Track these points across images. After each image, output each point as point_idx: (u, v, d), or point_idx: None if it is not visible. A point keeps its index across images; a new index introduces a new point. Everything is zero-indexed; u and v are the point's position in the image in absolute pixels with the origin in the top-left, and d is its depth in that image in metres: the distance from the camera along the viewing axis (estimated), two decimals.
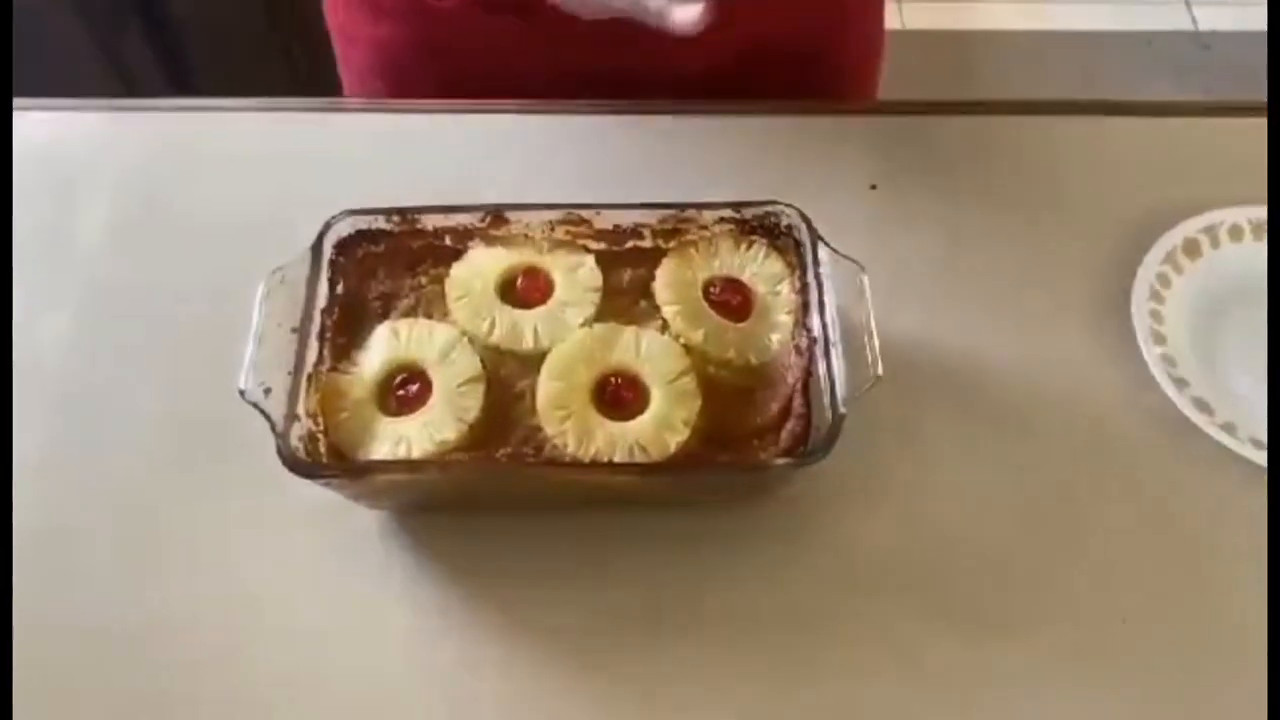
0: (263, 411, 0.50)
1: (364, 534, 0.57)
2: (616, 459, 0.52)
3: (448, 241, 0.59)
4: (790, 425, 0.54)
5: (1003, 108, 0.74)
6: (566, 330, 0.56)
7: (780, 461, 0.53)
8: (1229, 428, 0.58)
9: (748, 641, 0.54)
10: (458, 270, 0.58)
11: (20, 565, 0.55)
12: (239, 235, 0.66)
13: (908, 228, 0.67)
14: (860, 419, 0.51)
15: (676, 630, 0.54)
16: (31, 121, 0.72)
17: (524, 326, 0.56)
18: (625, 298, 0.58)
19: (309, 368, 0.54)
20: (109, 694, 0.53)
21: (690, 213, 0.59)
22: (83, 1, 1.23)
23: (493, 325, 0.56)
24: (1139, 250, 0.65)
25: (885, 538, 0.57)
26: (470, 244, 0.59)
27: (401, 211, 0.58)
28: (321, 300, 0.56)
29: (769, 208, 0.58)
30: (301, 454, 0.51)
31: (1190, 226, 0.65)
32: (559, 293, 0.57)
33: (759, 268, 0.58)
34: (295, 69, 1.38)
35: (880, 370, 0.51)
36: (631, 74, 0.69)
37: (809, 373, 0.55)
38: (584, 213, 0.58)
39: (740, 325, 0.57)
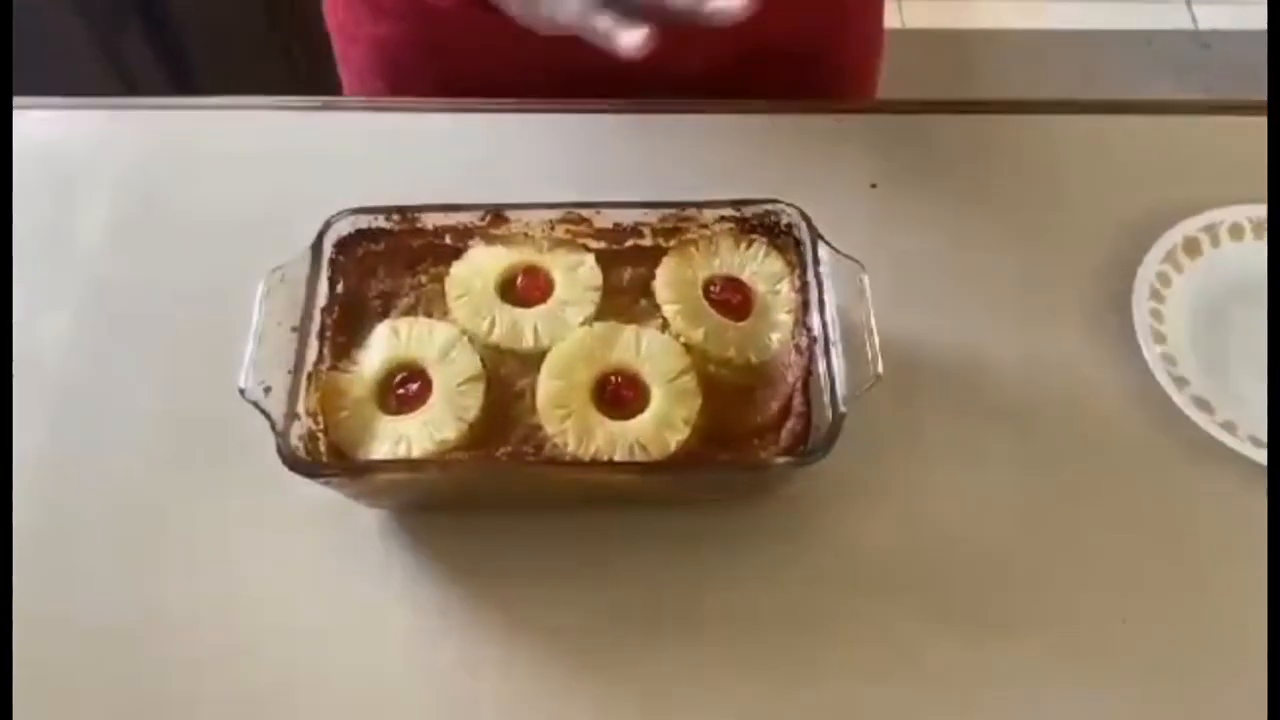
0: (263, 410, 0.50)
1: (364, 533, 0.57)
2: (617, 458, 0.52)
3: (448, 240, 0.59)
4: (790, 424, 0.54)
5: (1003, 107, 0.74)
6: (566, 329, 0.56)
7: (780, 460, 0.53)
8: (1229, 426, 0.58)
9: (748, 641, 0.54)
10: (458, 269, 0.58)
11: (20, 564, 0.55)
12: (239, 234, 0.66)
13: (908, 227, 0.67)
14: (860, 418, 0.51)
15: (676, 630, 0.54)
16: (31, 120, 0.72)
17: (524, 325, 0.56)
18: (625, 296, 0.58)
19: (309, 366, 0.54)
20: (109, 692, 0.53)
21: (690, 211, 0.59)
22: (83, 1, 1.23)
23: (493, 324, 0.56)
24: (1139, 249, 0.64)
25: (885, 537, 0.57)
26: (470, 243, 0.59)
27: (402, 210, 0.58)
28: (321, 299, 0.56)
29: (769, 206, 0.58)
30: (301, 453, 0.51)
31: (1190, 225, 0.65)
32: (559, 291, 0.57)
33: (759, 266, 0.58)
34: (295, 68, 1.38)
35: (880, 369, 0.51)
36: (631, 74, 0.68)
37: (809, 372, 0.55)
38: (584, 211, 0.58)
39: (740, 324, 0.57)
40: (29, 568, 0.55)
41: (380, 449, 0.52)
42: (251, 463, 0.52)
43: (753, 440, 0.54)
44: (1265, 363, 0.62)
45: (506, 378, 0.55)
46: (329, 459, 0.53)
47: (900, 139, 0.72)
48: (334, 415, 0.54)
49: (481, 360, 0.55)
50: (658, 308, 0.57)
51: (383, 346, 0.55)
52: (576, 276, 0.57)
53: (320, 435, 0.53)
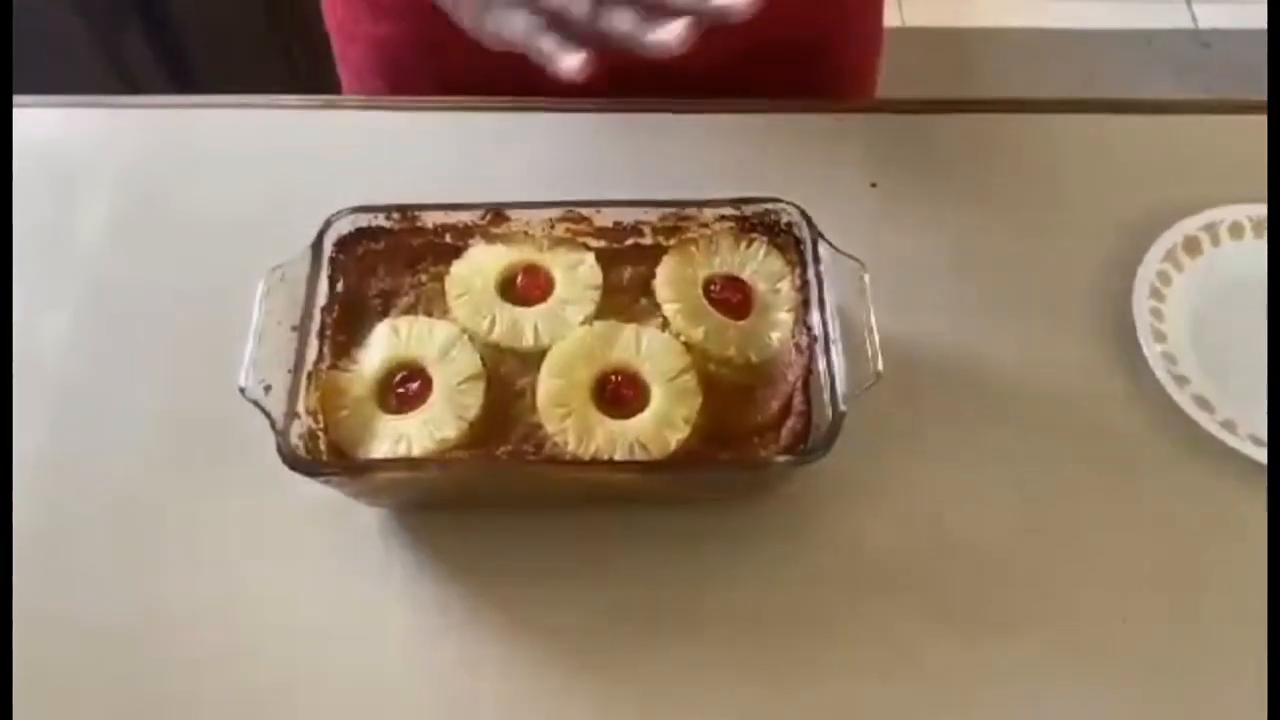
0: (263, 409, 0.50)
1: (364, 532, 0.57)
2: (617, 457, 0.52)
3: (448, 239, 0.59)
4: (790, 423, 0.54)
5: (1003, 106, 0.74)
6: (567, 328, 0.56)
7: (781, 459, 0.53)
8: (1229, 425, 0.58)
9: (748, 641, 0.54)
10: (458, 268, 0.58)
11: (20, 564, 0.55)
12: (239, 232, 0.66)
13: (908, 225, 0.67)
14: (861, 417, 0.51)
15: (676, 630, 0.54)
16: (31, 119, 0.72)
17: (524, 324, 0.56)
18: (625, 295, 0.58)
19: (309, 365, 0.54)
20: (108, 692, 0.53)
21: (690, 210, 0.59)
22: (83, 1, 1.23)
23: (493, 323, 0.56)
24: (1139, 248, 0.64)
25: (886, 537, 0.57)
26: (470, 241, 0.59)
27: (402, 209, 0.58)
28: (321, 298, 0.56)
29: (769, 205, 0.58)
30: (301, 452, 0.51)
31: (1190, 224, 0.65)
32: (559, 290, 0.57)
33: (759, 265, 0.58)
34: (295, 68, 1.38)
35: (881, 368, 0.51)
36: (631, 73, 0.69)
37: (809, 370, 0.55)
38: (584, 210, 0.58)
39: (741, 323, 0.57)
40: (29, 568, 0.55)
41: (380, 448, 0.52)
42: (251, 462, 0.52)
43: (753, 439, 0.54)
44: (1265, 362, 0.62)
45: (507, 376, 0.55)
46: (329, 458, 0.53)
47: (900, 138, 0.72)
48: (334, 414, 0.54)
49: (481, 359, 0.55)
50: (658, 306, 0.57)
51: (383, 345, 0.55)
52: (577, 275, 0.57)
53: (320, 434, 0.53)
